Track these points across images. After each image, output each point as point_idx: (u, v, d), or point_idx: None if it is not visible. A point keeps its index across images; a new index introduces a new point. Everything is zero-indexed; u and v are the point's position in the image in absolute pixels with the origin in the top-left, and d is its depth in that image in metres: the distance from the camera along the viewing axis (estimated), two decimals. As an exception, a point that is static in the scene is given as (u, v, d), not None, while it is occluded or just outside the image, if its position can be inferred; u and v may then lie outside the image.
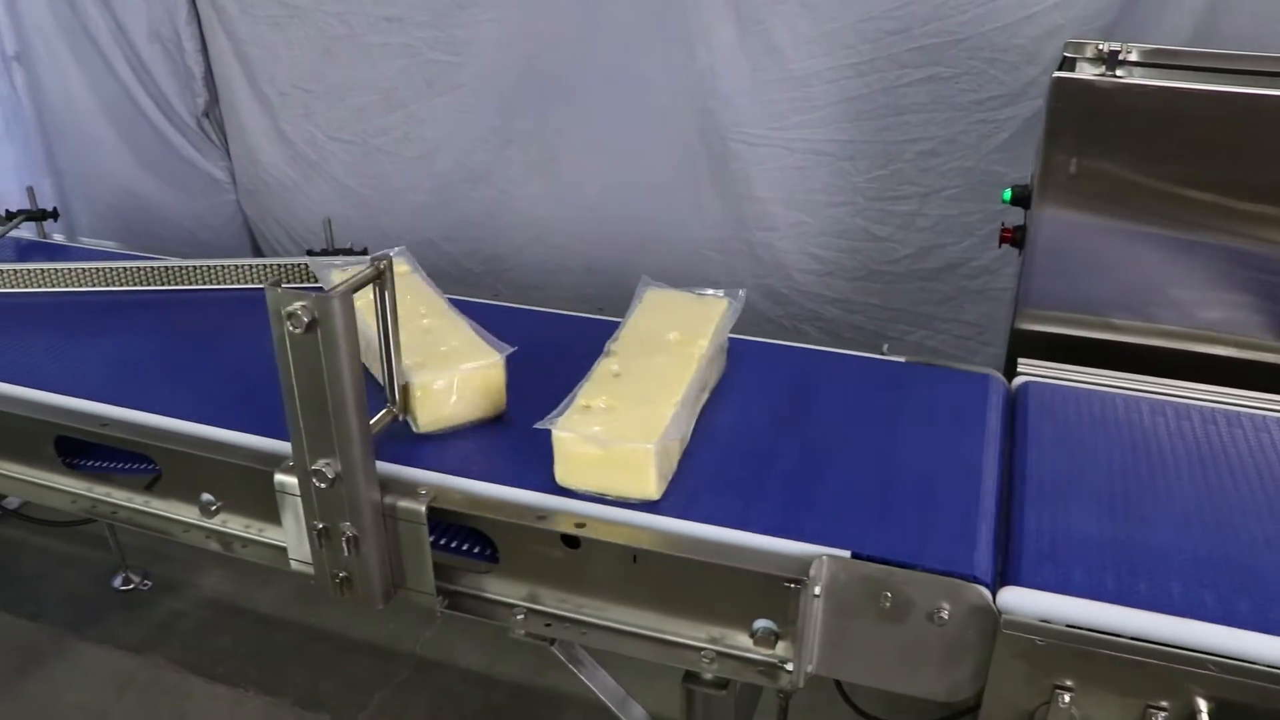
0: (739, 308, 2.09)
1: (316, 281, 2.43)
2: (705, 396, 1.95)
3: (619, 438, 1.68)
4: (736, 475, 1.76)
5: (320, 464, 1.60)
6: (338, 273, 2.34)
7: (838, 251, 3.03)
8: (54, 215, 2.99)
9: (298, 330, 1.49)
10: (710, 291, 2.15)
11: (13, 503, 3.10)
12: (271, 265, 2.55)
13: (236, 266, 2.55)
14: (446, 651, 3.24)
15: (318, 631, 3.37)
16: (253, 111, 3.59)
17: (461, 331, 2.02)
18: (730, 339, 2.12)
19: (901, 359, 2.14)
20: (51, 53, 3.81)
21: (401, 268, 2.34)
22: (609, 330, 2.01)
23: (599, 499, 1.70)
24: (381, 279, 1.68)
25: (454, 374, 1.86)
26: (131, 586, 3.63)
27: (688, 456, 1.80)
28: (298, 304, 1.48)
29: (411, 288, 2.17)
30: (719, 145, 3.00)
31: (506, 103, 3.18)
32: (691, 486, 1.72)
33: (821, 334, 3.13)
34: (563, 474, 1.73)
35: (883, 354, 2.17)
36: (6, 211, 2.97)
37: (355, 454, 1.58)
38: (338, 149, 3.49)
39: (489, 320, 2.08)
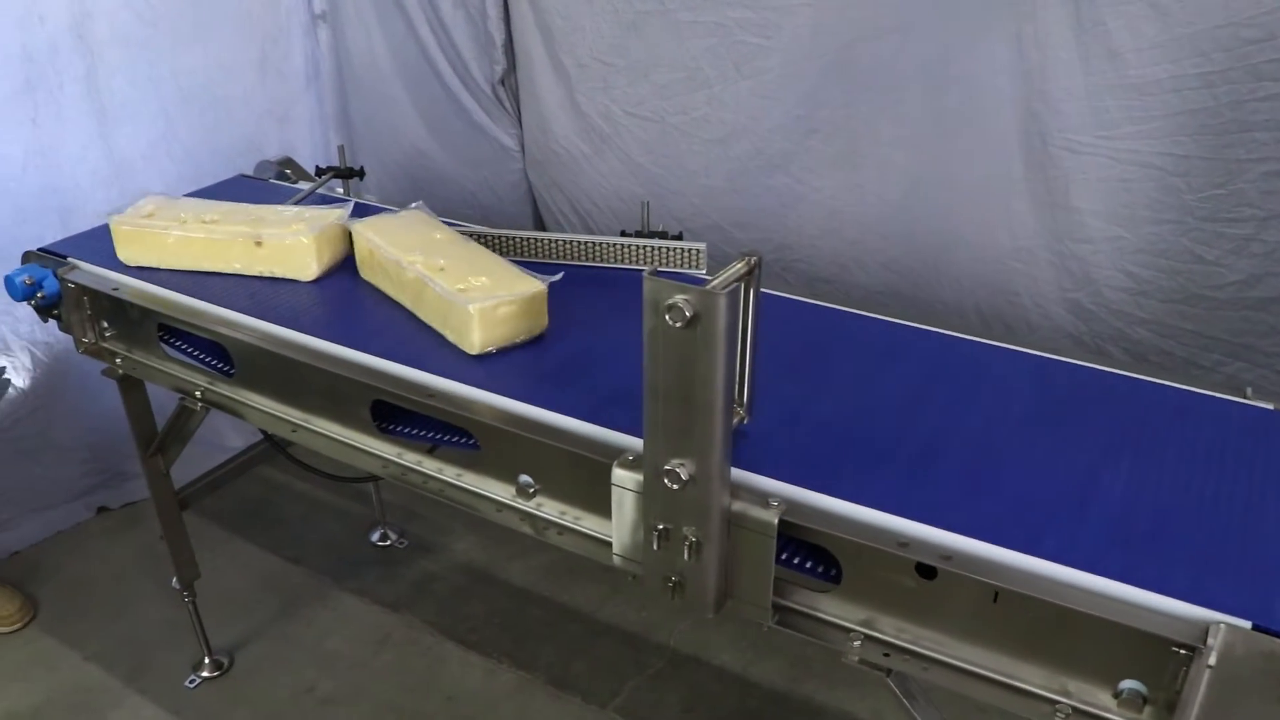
0: (425, 205, 2.56)
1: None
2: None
3: (520, 290, 2.10)
4: (1104, 522, 1.61)
5: (674, 464, 1.53)
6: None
7: (1156, 271, 2.81)
8: (360, 174, 3.03)
9: (676, 324, 1.42)
10: (413, 205, 2.56)
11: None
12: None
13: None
14: (701, 647, 3.18)
15: (570, 610, 3.37)
16: (549, 82, 3.57)
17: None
18: (1036, 356, 2.13)
19: (1269, 405, 1.94)
20: (359, 13, 3.90)
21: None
22: (895, 332, 2.22)
23: (511, 347, 2.09)
24: (751, 276, 1.60)
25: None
26: (389, 543, 3.72)
27: (1047, 500, 1.66)
28: (680, 297, 1.41)
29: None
30: (1039, 150, 2.82)
31: (813, 91, 3.07)
32: (1063, 531, 1.58)
33: (1127, 355, 2.92)
34: (481, 341, 2.06)
35: (1245, 398, 1.98)
36: (317, 168, 3.02)
37: (715, 458, 1.50)
38: (633, 125, 3.44)
39: (773, 311, 2.11)
